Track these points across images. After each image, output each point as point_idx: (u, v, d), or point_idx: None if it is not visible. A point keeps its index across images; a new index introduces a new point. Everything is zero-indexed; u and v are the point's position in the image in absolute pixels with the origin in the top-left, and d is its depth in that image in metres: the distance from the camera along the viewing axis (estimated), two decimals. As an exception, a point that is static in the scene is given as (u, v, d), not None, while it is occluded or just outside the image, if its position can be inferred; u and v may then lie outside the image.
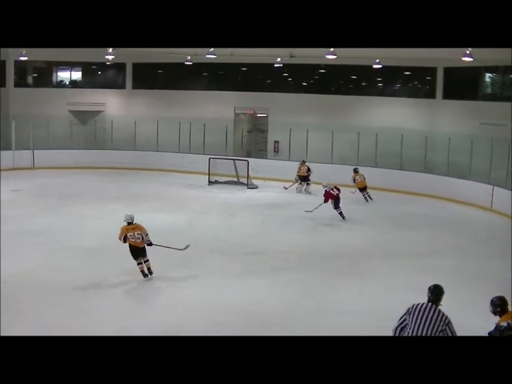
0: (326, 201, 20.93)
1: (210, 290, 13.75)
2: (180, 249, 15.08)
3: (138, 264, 14.28)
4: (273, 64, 30.05)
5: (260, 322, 11.87)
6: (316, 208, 21.12)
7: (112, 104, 34.66)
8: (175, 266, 15.08)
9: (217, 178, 27.96)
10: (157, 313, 12.50)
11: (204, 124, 30.59)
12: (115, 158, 30.94)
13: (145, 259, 14.31)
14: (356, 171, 25.16)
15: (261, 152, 32.72)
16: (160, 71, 35.01)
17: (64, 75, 36.10)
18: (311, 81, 33.21)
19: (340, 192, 21.19)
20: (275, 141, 32.15)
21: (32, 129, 30.73)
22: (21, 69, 35.18)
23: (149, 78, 34.71)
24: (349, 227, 20.41)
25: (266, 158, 31.28)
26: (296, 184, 26.88)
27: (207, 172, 28.14)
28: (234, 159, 28.57)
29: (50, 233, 18.33)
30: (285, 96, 31.59)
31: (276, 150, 32.05)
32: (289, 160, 29.41)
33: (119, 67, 34.67)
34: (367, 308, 12.77)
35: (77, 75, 36.16)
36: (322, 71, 32.03)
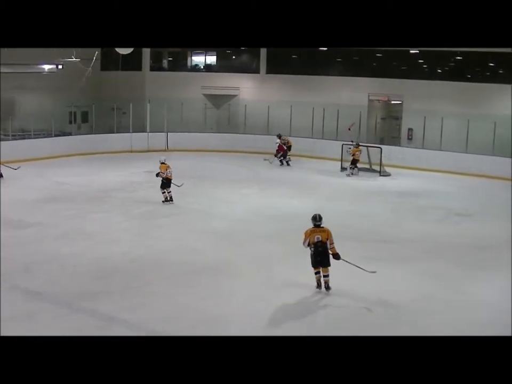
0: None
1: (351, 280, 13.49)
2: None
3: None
4: (409, 50, 29.30)
5: (394, 313, 11.55)
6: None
7: (246, 88, 34.76)
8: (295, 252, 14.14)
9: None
10: (282, 297, 12.33)
11: (338, 110, 30.19)
12: (248, 142, 31.04)
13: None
14: None
15: (394, 140, 32.03)
16: (294, 56, 34.83)
17: (198, 59, 36.53)
18: (446, 68, 32.17)
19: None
20: (409, 129, 31.40)
21: (167, 112, 31.26)
22: (157, 53, 35.87)
23: (283, 62, 34.55)
24: (483, 218, 19.58)
25: (400, 146, 30.58)
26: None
27: (340, 158, 27.79)
28: (367, 146, 28.07)
29: (183, 215, 18.55)
30: (419, 83, 30.75)
31: (410, 137, 31.32)
32: (422, 148, 28.67)
33: (253, 52, 34.72)
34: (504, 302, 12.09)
35: (211, 59, 36.50)
36: (459, 58, 30.96)
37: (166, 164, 20.24)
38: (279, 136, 29.86)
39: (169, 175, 20.12)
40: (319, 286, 12.59)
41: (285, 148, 29.19)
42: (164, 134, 31.74)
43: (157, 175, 20.20)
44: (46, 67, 31.81)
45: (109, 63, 34.09)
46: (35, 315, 11.37)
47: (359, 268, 12.82)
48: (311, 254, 12.43)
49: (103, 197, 20.81)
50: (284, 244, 14.94)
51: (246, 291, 12.63)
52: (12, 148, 27.60)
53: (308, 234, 12.37)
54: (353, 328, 10.70)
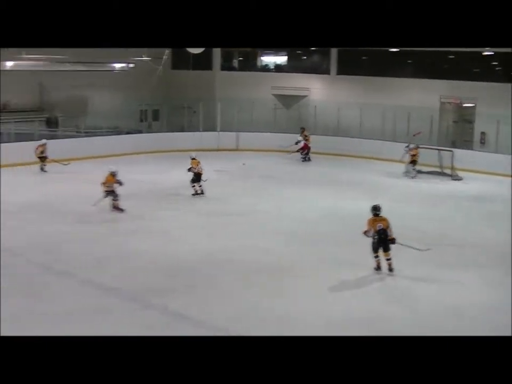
0: None
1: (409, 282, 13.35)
2: None
3: None
4: (481, 52, 28.75)
5: (463, 320, 11.35)
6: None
7: (316, 89, 34.59)
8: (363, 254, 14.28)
9: (421, 168, 27.10)
10: (347, 299, 12.31)
11: (408, 112, 29.79)
12: (318, 143, 30.83)
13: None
14: None
15: (466, 143, 31.43)
16: (364, 58, 34.53)
17: (268, 59, 36.55)
18: (521, 70, 31.44)
19: None
20: (482, 132, 30.76)
21: (237, 112, 31.36)
22: (227, 53, 36.02)
23: (354, 64, 34.25)
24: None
25: (472, 149, 29.99)
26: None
27: (407, 160, 27.29)
28: (439, 149, 27.64)
29: (253, 214, 18.59)
30: (493, 85, 30.06)
31: (482, 141, 30.70)
32: (496, 153, 28.06)
33: (323, 52, 34.53)
34: None
35: (281, 59, 36.46)
36: (535, 60, 30.22)
37: (196, 160, 21.20)
38: (303, 131, 30.12)
39: (200, 170, 20.93)
40: (378, 268, 13.74)
41: (309, 144, 29.70)
42: (233, 134, 31.84)
43: (189, 170, 20.94)
44: (118, 66, 32.32)
45: (180, 62, 34.38)
46: (105, 310, 11.52)
47: (413, 248, 13.92)
48: (373, 241, 13.57)
49: (173, 195, 21.00)
50: (352, 245, 14.81)
51: (313, 291, 12.59)
52: (84, 144, 28.13)
53: (371, 223, 13.61)
54: (426, 331, 10.51)
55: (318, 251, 15.05)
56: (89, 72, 30.69)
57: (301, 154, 29.67)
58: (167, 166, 26.62)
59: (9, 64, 28.18)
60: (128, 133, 31.41)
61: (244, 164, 23.72)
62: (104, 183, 18.59)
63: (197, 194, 20.77)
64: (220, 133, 31.66)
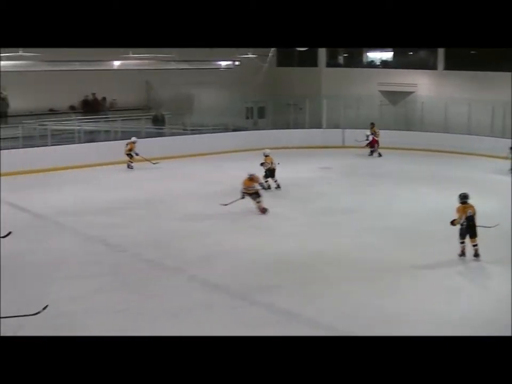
0: None
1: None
2: None
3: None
4: None
5: None
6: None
7: (423, 85, 33.87)
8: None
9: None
10: (458, 299, 11.99)
11: (519, 108, 28.80)
12: (425, 140, 30.19)
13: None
14: None
15: None
16: (473, 52, 33.58)
17: (374, 55, 36.06)
18: None
19: None
20: None
21: (343, 109, 31.07)
22: (333, 50, 35.69)
23: (462, 58, 33.36)
24: None
25: None
26: None
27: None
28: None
29: (360, 212, 18.34)
30: None
31: None
32: None
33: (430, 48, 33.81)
34: None
35: (387, 55, 35.92)
36: None
37: (270, 157, 21.60)
38: (372, 126, 29.68)
39: (274, 166, 21.45)
40: (463, 254, 14.06)
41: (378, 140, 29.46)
42: (339, 131, 31.55)
43: (261, 164, 21.36)
44: (223, 63, 32.54)
45: (285, 59, 34.37)
46: (212, 306, 11.56)
47: (484, 226, 13.99)
48: (461, 227, 13.93)
49: (280, 192, 20.96)
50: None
51: (424, 291, 12.30)
52: (190, 142, 28.44)
53: (461, 210, 13.94)
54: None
55: (428, 250, 14.67)
56: (195, 70, 31.02)
57: (370, 149, 29.47)
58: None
59: (116, 63, 28.79)
60: (234, 130, 31.62)
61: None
62: (243, 186, 18.72)
63: (269, 188, 21.00)
64: (326, 130, 31.45)
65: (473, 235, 13.89)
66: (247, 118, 33.93)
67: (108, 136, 28.29)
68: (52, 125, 27.26)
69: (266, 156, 21.73)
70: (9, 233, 14.90)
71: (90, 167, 25.18)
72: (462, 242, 14.02)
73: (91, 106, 30.59)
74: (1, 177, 22.84)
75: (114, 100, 31.40)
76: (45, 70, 26.88)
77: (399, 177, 24.04)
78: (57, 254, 14.58)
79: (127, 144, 25.69)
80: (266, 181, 21.02)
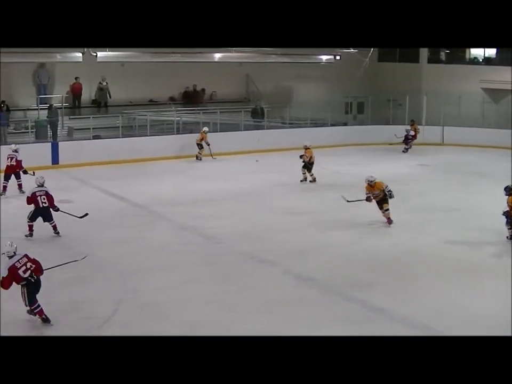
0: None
1: None
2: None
3: None
4: None
5: None
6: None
7: (528, 83, 32.81)
8: None
9: None
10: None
11: None
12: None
13: None
14: None
15: None
16: None
17: (477, 52, 35.12)
18: None
19: None
20: None
21: (444, 106, 30.45)
22: (434, 46, 35.03)
23: None
24: None
25: None
26: None
27: None
28: None
29: (457, 210, 17.92)
30: None
31: None
32: None
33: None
34: None
35: (491, 52, 34.92)
36: None
37: (310, 150, 21.54)
38: (413, 123, 29.36)
39: (312, 159, 21.41)
40: None
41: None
42: (439, 128, 30.94)
43: (301, 157, 21.46)
44: (324, 57, 32.35)
45: (386, 54, 33.91)
46: (304, 301, 11.53)
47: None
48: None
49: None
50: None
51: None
52: (289, 135, 28.40)
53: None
54: None
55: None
56: (296, 64, 30.96)
57: (406, 145, 29.08)
58: (372, 159, 26.29)
59: (217, 55, 28.97)
60: (332, 125, 31.41)
61: (257, 161, 23.04)
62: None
63: (305, 181, 21.32)
64: (425, 127, 30.87)
65: None
66: (346, 113, 33.70)
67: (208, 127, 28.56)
68: (152, 115, 27.70)
69: (306, 149, 21.63)
70: (86, 214, 15.30)
71: (188, 158, 25.45)
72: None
73: (191, 98, 30.91)
74: (101, 166, 23.46)
75: (214, 92, 31.65)
76: (146, 61, 27.30)
77: (500, 176, 23.24)
78: (153, 243, 14.79)
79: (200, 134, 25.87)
80: (304, 173, 21.36)
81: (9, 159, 19.74)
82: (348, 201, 16.55)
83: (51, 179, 21.49)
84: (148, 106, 29.20)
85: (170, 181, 21.68)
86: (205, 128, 26.00)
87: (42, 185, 15.40)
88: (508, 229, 14.78)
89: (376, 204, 16.20)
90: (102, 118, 28.01)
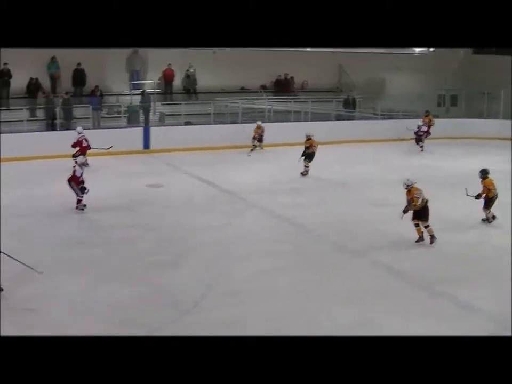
0: None
1: None
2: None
3: None
4: None
5: None
6: None
7: None
8: None
9: None
10: None
11: None
12: None
13: None
14: None
15: None
16: None
17: None
18: None
19: None
20: None
21: None
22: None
23: None
24: None
25: None
26: None
27: None
28: None
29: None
30: None
31: None
32: None
33: None
34: None
35: None
36: None
37: (312, 140, 21.24)
38: (427, 115, 28.05)
39: (315, 150, 21.12)
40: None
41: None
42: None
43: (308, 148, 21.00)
44: (417, 49, 31.91)
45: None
46: (389, 293, 11.42)
47: None
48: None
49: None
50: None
51: None
52: (380, 127, 28.15)
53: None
54: None
55: None
56: (389, 55, 30.58)
57: (417, 143, 27.43)
58: (464, 152, 25.84)
59: (310, 45, 28.83)
60: (425, 117, 30.97)
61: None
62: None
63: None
64: (522, 121, 30.03)
65: None
66: (439, 105, 33.18)
67: (298, 117, 28.51)
68: (243, 103, 27.82)
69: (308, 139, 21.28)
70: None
71: (282, 146, 25.46)
72: None
73: (282, 87, 30.93)
74: (192, 152, 23.71)
75: (305, 81, 31.60)
76: (238, 49, 27.40)
77: None
78: (243, 231, 14.90)
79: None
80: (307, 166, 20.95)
81: (83, 140, 20.76)
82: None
83: (142, 163, 22.07)
84: (239, 94, 29.34)
85: (260, 169, 21.77)
86: (258, 122, 25.88)
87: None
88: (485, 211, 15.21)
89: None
90: (194, 105, 28.33)
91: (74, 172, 15.86)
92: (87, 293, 11.09)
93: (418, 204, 13.65)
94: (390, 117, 30.25)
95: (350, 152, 25.12)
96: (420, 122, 27.58)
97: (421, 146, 27.22)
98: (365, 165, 22.97)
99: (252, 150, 25.23)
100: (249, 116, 28.18)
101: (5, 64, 25.23)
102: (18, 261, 11.17)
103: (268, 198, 17.86)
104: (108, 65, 27.47)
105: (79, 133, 21.06)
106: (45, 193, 17.97)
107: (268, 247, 13.74)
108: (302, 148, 21.29)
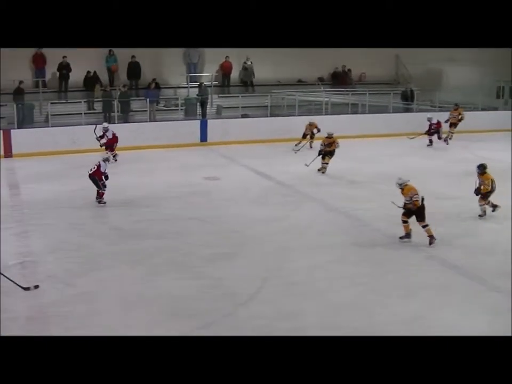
0: None
1: None
2: None
3: None
4: None
5: None
6: None
7: None
8: None
9: None
10: None
11: None
12: None
13: None
14: None
15: None
16: None
17: None
18: None
19: None
20: None
21: None
22: None
23: None
24: None
25: None
26: None
27: None
28: None
29: None
30: None
31: None
32: None
33: None
34: None
35: None
36: None
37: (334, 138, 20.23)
38: (457, 108, 26.90)
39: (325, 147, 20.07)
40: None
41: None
42: None
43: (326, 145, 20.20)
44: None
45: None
46: (449, 287, 11.32)
47: None
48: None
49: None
50: None
51: None
52: (438, 119, 27.77)
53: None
54: None
55: None
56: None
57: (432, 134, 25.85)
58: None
59: (367, 38, 28.67)
60: (483, 109, 30.53)
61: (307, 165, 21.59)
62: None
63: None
64: None
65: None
66: (498, 97, 32.62)
67: (356, 109, 28.36)
68: (300, 95, 27.75)
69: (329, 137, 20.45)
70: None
71: (339, 139, 25.19)
72: None
73: (340, 79, 30.79)
74: (249, 145, 23.77)
75: (363, 73, 31.45)
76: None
77: None
78: (299, 223, 14.91)
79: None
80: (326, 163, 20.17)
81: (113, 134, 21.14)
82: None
83: (199, 156, 22.22)
84: (296, 86, 29.30)
85: (317, 161, 21.67)
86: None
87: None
88: (480, 205, 15.26)
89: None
90: (250, 97, 28.36)
91: (99, 166, 15.97)
92: (143, 284, 11.23)
93: (417, 201, 13.19)
94: (448, 109, 29.81)
95: (407, 145, 24.85)
96: (428, 114, 26.44)
97: (439, 138, 25.98)
98: (424, 157, 22.75)
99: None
100: (306, 108, 28.12)
101: (64, 57, 25.64)
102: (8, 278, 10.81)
103: (324, 190, 17.84)
104: (165, 58, 27.70)
105: (105, 129, 21.31)
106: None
107: (324, 239, 13.75)
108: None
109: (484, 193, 15.18)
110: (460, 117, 26.78)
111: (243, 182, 18.81)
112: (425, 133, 25.63)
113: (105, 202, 16.13)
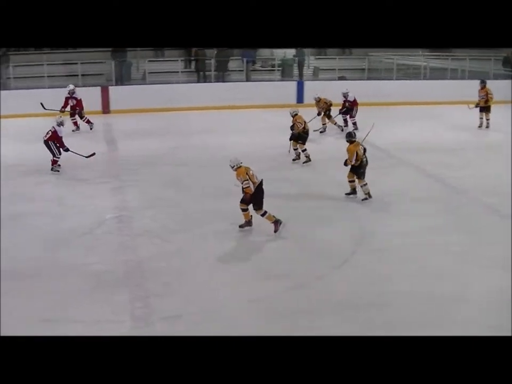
0: None
1: None
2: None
3: None
4: None
5: None
6: None
7: None
8: None
9: None
10: None
11: None
12: None
13: None
14: None
15: None
16: None
17: None
18: None
19: None
20: None
21: None
22: None
23: None
24: None
25: None
26: None
27: None
28: None
29: None
30: None
31: None
32: None
33: None
34: None
35: None
36: None
37: (299, 115, 17.46)
38: (483, 86, 22.00)
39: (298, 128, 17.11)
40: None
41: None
42: None
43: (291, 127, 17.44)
44: None
45: None
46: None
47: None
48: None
49: None
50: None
51: None
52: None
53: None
54: None
55: None
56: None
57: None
58: None
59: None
60: None
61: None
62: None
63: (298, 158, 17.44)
64: None
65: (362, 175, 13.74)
66: None
67: (455, 75, 27.68)
68: (398, 59, 27.30)
69: (295, 115, 17.54)
70: (93, 154, 15.48)
71: (433, 105, 24.86)
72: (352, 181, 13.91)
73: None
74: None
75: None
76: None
77: None
78: (392, 189, 14.72)
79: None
80: (295, 148, 17.43)
81: (71, 99, 20.18)
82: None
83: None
84: (395, 49, 28.75)
85: (413, 126, 21.34)
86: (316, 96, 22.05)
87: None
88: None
89: None
90: (348, 60, 28.07)
91: (54, 132, 15.61)
92: (237, 242, 11.37)
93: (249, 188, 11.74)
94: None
95: (505, 113, 24.09)
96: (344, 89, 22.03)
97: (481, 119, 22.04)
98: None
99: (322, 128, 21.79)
100: (403, 72, 27.65)
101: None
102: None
103: (420, 156, 17.53)
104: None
105: (69, 92, 20.16)
106: (199, 143, 18.45)
107: (418, 206, 13.57)
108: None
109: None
110: (488, 96, 21.92)
111: (336, 145, 18.50)
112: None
113: (58, 171, 15.78)
